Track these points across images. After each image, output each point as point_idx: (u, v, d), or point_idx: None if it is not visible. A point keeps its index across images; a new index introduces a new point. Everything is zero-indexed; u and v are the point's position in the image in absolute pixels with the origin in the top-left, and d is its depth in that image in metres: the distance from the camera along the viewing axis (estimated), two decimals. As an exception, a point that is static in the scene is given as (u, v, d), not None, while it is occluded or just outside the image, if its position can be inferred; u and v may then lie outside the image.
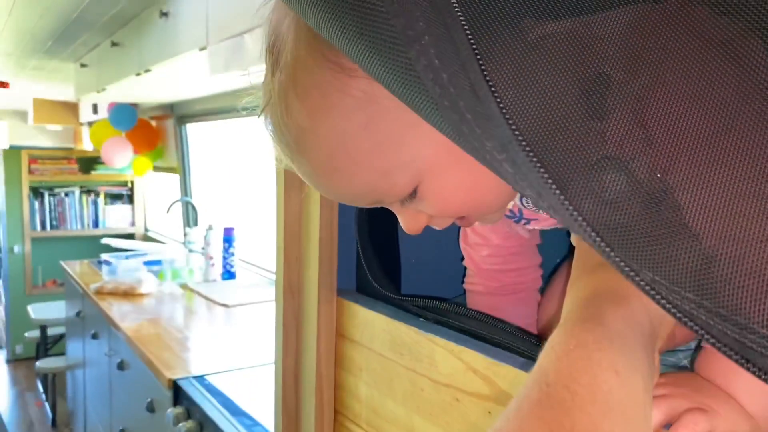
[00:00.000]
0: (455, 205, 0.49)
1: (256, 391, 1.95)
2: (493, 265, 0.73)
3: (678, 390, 0.44)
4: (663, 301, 0.34)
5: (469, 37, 0.36)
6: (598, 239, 0.36)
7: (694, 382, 0.46)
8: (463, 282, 0.78)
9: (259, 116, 0.50)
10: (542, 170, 0.35)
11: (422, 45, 0.35)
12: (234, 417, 1.76)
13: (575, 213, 0.36)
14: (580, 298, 0.45)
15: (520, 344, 0.57)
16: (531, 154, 0.35)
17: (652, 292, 0.34)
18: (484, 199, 0.49)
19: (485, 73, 0.35)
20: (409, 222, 0.51)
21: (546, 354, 0.40)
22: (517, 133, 0.35)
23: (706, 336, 0.34)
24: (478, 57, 0.36)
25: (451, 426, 0.60)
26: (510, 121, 0.35)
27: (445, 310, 0.65)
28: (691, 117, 0.38)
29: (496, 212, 0.54)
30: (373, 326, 0.71)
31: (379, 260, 0.76)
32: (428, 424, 0.63)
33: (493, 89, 0.35)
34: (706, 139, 0.38)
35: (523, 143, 0.35)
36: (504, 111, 0.35)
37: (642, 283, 0.34)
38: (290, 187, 0.78)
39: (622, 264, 0.35)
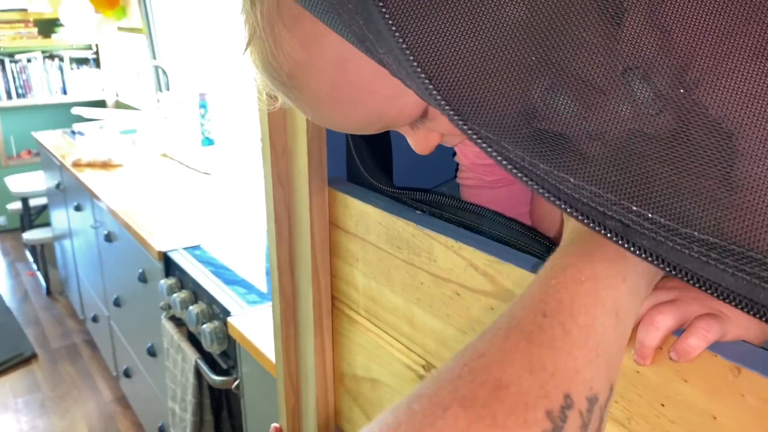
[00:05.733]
0: None
1: (247, 258, 1.98)
2: (486, 159, 0.71)
3: (688, 294, 0.43)
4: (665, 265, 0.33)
5: None
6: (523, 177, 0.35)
7: (704, 284, 0.45)
8: (455, 174, 0.76)
9: (243, 53, 0.45)
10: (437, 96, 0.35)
11: None
12: (228, 286, 1.79)
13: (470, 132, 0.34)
14: None
15: (521, 240, 0.56)
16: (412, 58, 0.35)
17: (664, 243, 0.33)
18: None
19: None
20: (420, 144, 0.49)
21: (553, 274, 0.38)
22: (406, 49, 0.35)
23: (708, 288, 0.33)
24: None
25: (452, 319, 0.61)
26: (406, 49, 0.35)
27: (442, 204, 0.63)
28: (709, 12, 0.35)
29: None
30: (368, 219, 0.69)
31: (370, 148, 0.73)
32: (428, 315, 0.64)
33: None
34: (726, 32, 0.35)
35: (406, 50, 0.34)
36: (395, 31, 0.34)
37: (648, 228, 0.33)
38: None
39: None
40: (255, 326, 1.55)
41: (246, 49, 0.45)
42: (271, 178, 0.77)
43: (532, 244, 0.54)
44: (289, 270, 0.80)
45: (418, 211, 0.66)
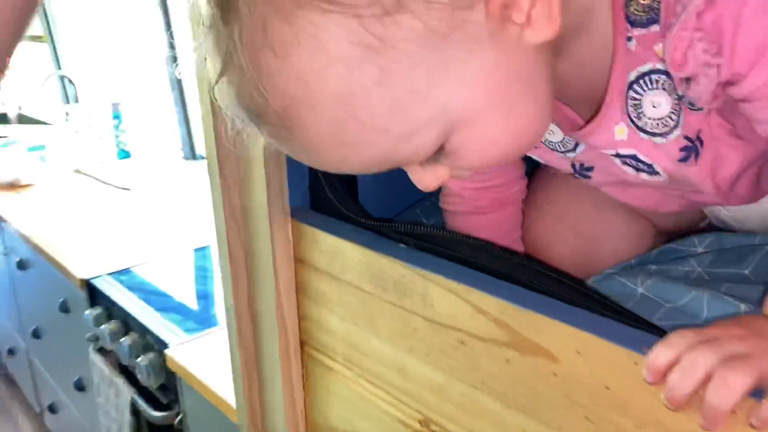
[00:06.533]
0: (495, 154, 0.39)
1: (180, 279, 1.84)
2: (477, 183, 0.65)
3: (760, 346, 0.37)
4: None
5: None
6: None
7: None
8: (427, 195, 0.69)
9: (214, 85, 0.35)
10: None
11: None
12: (161, 314, 1.65)
13: None
14: None
15: (534, 278, 0.48)
16: None
17: None
18: (522, 143, 0.39)
19: None
20: (427, 181, 0.41)
21: None
22: None
23: None
24: None
25: (457, 370, 0.53)
26: None
27: (434, 237, 0.55)
28: None
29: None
30: (343, 255, 0.60)
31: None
32: (425, 365, 0.56)
33: None
34: None
35: None
36: None
37: None
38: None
39: None
40: (196, 357, 1.44)
41: (217, 80, 0.35)
42: (222, 213, 0.66)
43: (552, 285, 0.47)
44: (249, 316, 0.70)
45: (401, 245, 0.57)
